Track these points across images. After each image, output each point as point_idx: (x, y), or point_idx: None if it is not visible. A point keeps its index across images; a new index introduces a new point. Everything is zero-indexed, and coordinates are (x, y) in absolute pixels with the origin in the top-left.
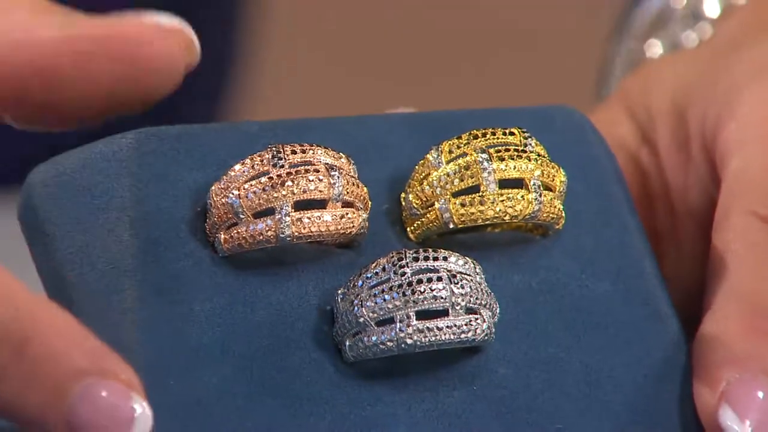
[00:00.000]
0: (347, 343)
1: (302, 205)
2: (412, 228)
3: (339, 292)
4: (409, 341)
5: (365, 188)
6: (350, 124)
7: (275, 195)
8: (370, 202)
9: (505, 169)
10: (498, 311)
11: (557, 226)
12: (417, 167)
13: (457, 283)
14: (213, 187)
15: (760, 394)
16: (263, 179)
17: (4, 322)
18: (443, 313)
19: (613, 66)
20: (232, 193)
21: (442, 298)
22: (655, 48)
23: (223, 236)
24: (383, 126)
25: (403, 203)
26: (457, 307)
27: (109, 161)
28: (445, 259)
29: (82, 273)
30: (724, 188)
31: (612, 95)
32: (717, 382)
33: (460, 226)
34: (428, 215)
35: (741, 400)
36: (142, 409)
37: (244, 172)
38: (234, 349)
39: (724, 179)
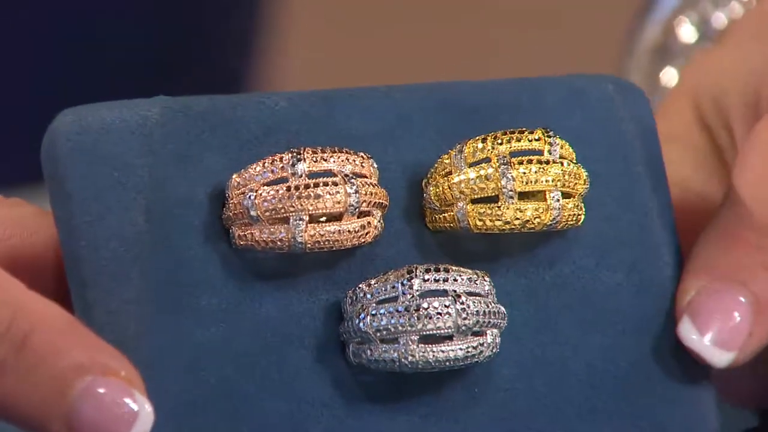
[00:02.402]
0: (351, 348)
1: (317, 217)
2: (430, 219)
3: (348, 294)
4: (410, 364)
5: (384, 191)
6: (378, 98)
7: (291, 206)
8: (388, 203)
9: (526, 183)
10: (506, 321)
11: (577, 225)
12: (440, 160)
13: (465, 308)
14: (232, 179)
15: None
16: (281, 189)
17: (4, 318)
18: (448, 337)
19: (638, 44)
20: (249, 196)
21: (447, 326)
22: (684, 25)
23: (237, 232)
24: (412, 101)
25: (424, 193)
26: (462, 333)
27: (132, 133)
28: (455, 280)
29: (95, 247)
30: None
31: (676, 89)
32: (684, 291)
33: (476, 232)
34: (446, 215)
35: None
36: (143, 406)
37: (262, 173)
38: (237, 347)
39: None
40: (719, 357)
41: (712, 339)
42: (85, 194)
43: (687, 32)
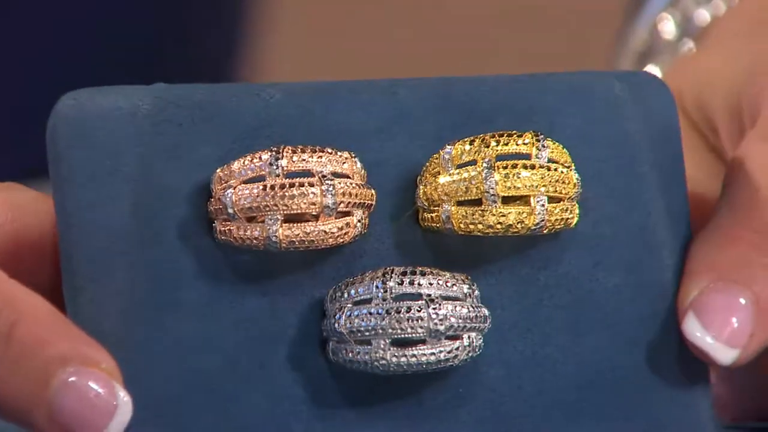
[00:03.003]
0: (331, 346)
1: (295, 216)
2: (421, 217)
3: (330, 291)
4: (381, 368)
5: (371, 191)
6: (377, 93)
7: (266, 205)
8: (374, 203)
9: (509, 188)
10: (489, 324)
11: (568, 228)
12: (432, 159)
13: (439, 313)
14: (216, 173)
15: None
16: (256, 188)
17: None
18: (422, 341)
19: (626, 44)
20: (227, 193)
21: (420, 327)
22: (666, 22)
23: (219, 227)
24: (412, 97)
25: (417, 190)
26: (435, 338)
27: (127, 121)
28: (430, 284)
29: (86, 234)
30: (752, 131)
31: None
32: (686, 292)
33: (461, 233)
34: (433, 215)
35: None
36: (123, 398)
37: (242, 170)
38: (219, 342)
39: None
40: (724, 354)
41: (716, 336)
42: (80, 180)
43: (669, 29)
